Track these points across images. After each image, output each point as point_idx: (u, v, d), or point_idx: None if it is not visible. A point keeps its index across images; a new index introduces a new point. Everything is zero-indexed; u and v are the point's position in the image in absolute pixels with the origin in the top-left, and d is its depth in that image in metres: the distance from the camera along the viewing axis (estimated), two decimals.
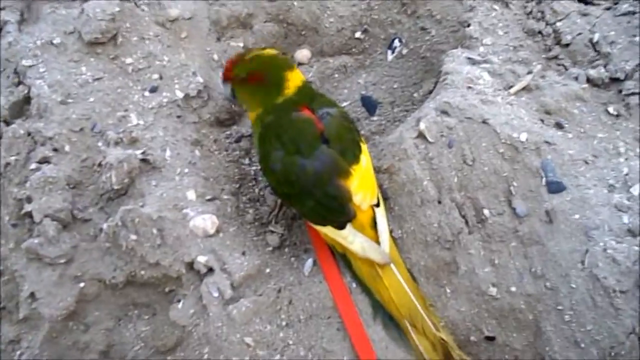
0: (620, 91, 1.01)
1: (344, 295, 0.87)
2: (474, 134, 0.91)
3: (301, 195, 0.85)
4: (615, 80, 1.02)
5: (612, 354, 0.78)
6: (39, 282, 0.87)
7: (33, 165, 0.90)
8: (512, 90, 1.00)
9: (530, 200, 0.88)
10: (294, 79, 0.90)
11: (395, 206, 0.92)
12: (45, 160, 0.91)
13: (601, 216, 0.85)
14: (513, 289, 0.86)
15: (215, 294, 0.87)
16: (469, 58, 1.04)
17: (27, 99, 0.98)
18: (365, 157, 0.88)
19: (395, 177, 0.92)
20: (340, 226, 0.85)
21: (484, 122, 0.92)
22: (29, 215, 0.88)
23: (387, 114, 1.13)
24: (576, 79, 1.03)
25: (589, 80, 1.03)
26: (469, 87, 0.97)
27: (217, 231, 0.92)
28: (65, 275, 0.88)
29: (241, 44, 1.14)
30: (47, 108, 0.95)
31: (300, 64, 1.18)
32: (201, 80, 1.05)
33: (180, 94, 1.03)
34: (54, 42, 1.01)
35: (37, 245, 0.86)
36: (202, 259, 0.88)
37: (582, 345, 0.80)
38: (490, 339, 0.86)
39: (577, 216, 0.86)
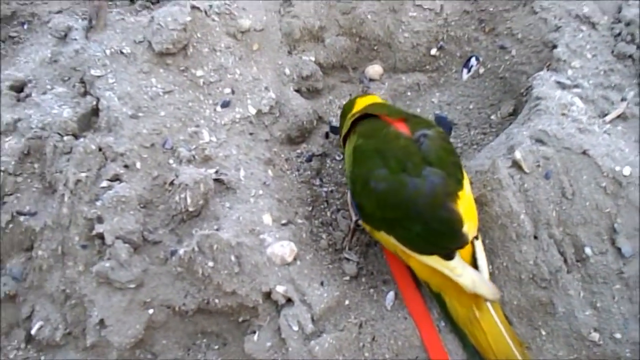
0: None
1: (432, 335, 0.81)
2: (573, 166, 0.85)
3: (407, 219, 0.77)
4: None
5: None
6: (109, 308, 0.82)
7: (104, 183, 0.85)
8: (607, 119, 0.94)
9: (636, 240, 0.82)
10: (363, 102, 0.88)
11: (487, 239, 0.86)
12: (116, 178, 0.86)
13: None
14: (617, 335, 0.80)
15: (295, 328, 0.81)
16: (558, 82, 0.98)
17: (94, 111, 0.93)
18: (467, 183, 0.81)
19: (487, 209, 0.86)
20: (449, 255, 0.77)
21: (584, 153, 0.86)
22: (100, 236, 0.83)
23: (464, 136, 1.08)
24: None
25: None
26: (564, 114, 0.91)
27: (295, 259, 0.86)
28: (135, 301, 0.83)
29: (313, 58, 1.08)
30: (117, 122, 0.90)
31: (371, 79, 1.13)
32: (273, 95, 1.00)
33: (252, 110, 0.98)
34: (124, 51, 0.96)
35: (108, 269, 0.81)
36: (280, 289, 0.83)
37: None
38: None
39: None
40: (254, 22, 1.04)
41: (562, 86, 0.98)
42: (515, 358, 0.78)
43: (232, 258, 0.81)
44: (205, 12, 1.02)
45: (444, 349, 0.81)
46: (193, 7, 1.00)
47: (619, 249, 0.82)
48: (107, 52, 0.96)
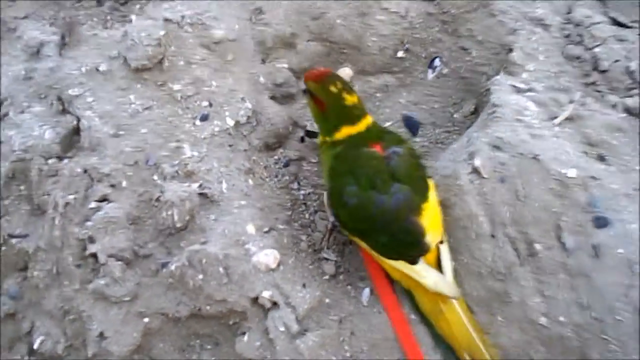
0: None
1: (404, 327, 0.92)
2: (525, 170, 0.95)
3: (375, 231, 0.88)
4: None
5: None
6: (107, 321, 0.88)
7: (93, 204, 0.90)
8: (556, 121, 1.03)
9: (578, 235, 0.93)
10: (349, 131, 0.92)
11: (450, 239, 0.95)
12: (104, 199, 0.91)
13: None
14: (561, 318, 0.91)
15: (282, 329, 0.90)
16: (514, 86, 1.06)
17: (75, 130, 0.96)
18: (432, 195, 0.91)
19: (450, 211, 0.95)
20: (414, 261, 0.88)
21: (535, 158, 0.95)
22: (93, 255, 0.88)
23: (430, 135, 1.16)
24: (614, 107, 1.07)
25: (626, 109, 1.07)
26: (518, 120, 1.00)
27: (278, 265, 0.94)
28: (131, 312, 0.90)
29: (286, 65, 1.13)
30: (99, 142, 0.94)
31: None
32: (250, 105, 1.05)
33: (230, 122, 1.02)
34: (100, 68, 0.98)
35: (103, 286, 0.87)
36: (266, 294, 0.91)
37: None
38: None
39: (621, 250, 0.91)
40: (227, 32, 1.07)
41: (517, 90, 1.06)
42: (476, 344, 0.90)
43: (221, 270, 0.88)
44: (178, 24, 1.04)
45: (415, 339, 0.91)
46: (166, 20, 1.02)
47: (563, 244, 0.93)
48: (83, 69, 0.98)
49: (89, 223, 0.88)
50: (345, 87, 0.92)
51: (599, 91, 1.10)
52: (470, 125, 1.14)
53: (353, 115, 0.93)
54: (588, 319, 0.91)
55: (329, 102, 0.91)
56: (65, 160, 0.92)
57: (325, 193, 1.06)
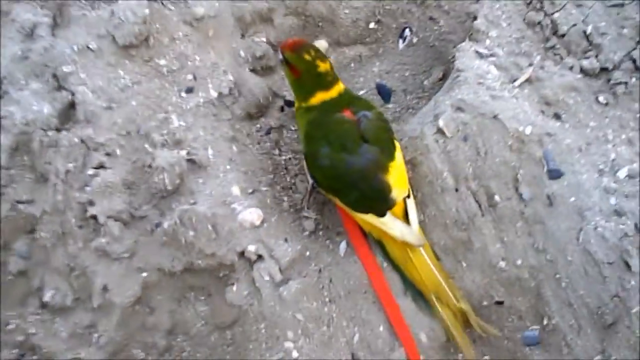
0: (609, 80, 1.14)
1: (377, 274, 1.01)
2: (486, 129, 1.04)
3: (347, 188, 0.97)
4: (604, 70, 1.15)
5: (599, 312, 0.95)
6: (109, 275, 0.98)
7: (90, 171, 0.99)
8: (516, 84, 1.11)
9: (534, 186, 1.02)
10: (323, 96, 1.00)
11: (419, 194, 1.05)
12: (101, 166, 0.99)
13: (593, 198, 1.01)
14: (519, 262, 1.01)
15: (267, 278, 1.00)
16: (477, 52, 1.14)
17: (71, 104, 1.04)
18: (399, 154, 1.00)
19: (417, 169, 1.04)
20: (381, 214, 0.98)
21: (495, 117, 1.04)
22: (94, 217, 0.97)
23: (401, 101, 1.24)
24: (571, 69, 1.15)
25: (582, 70, 1.15)
26: (480, 83, 1.08)
27: (262, 222, 1.03)
28: (130, 267, 0.99)
29: (264, 39, 1.20)
30: (94, 114, 1.02)
31: None
32: (231, 78, 1.12)
33: (214, 93, 1.10)
34: (90, 46, 1.06)
35: (104, 244, 0.97)
36: (252, 248, 1.00)
37: (575, 306, 0.98)
38: (500, 303, 1.02)
39: (572, 199, 1.01)
40: (208, 9, 1.14)
41: (480, 56, 1.14)
42: (442, 287, 1.00)
43: (209, 227, 0.98)
44: (162, 3, 1.11)
45: (387, 283, 1.01)
46: None
47: (520, 195, 1.02)
48: (75, 48, 1.06)
49: (88, 188, 0.97)
50: (319, 55, 1.00)
51: (557, 54, 1.18)
52: (438, 91, 1.22)
53: (326, 81, 1.00)
54: (543, 261, 1.01)
55: (303, 69, 0.98)
56: (64, 132, 1.00)
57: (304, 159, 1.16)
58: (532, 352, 1.01)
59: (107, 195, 0.97)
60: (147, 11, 1.07)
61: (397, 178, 0.98)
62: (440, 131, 1.04)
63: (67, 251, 0.98)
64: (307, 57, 0.97)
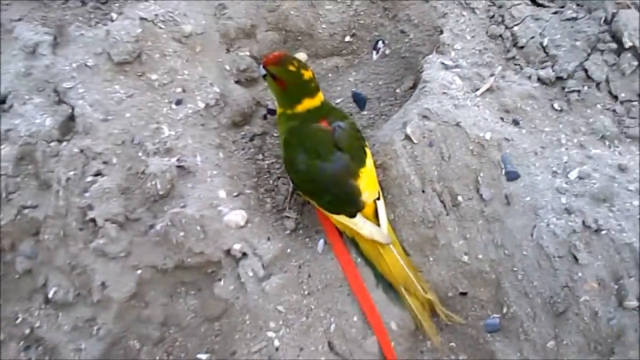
0: (564, 88, 1.24)
1: (351, 268, 1.11)
2: (449, 135, 1.13)
3: (320, 191, 1.07)
4: (560, 78, 1.25)
5: (551, 302, 1.05)
6: (107, 273, 1.07)
7: (89, 178, 1.08)
8: (478, 93, 1.21)
9: (493, 187, 1.12)
10: (316, 100, 1.09)
11: (389, 195, 1.14)
12: (98, 173, 1.09)
13: (546, 198, 1.11)
14: (480, 256, 1.11)
15: (250, 274, 1.09)
16: (442, 63, 1.24)
17: (71, 117, 1.14)
18: (369, 161, 1.10)
19: (388, 172, 1.14)
20: (352, 215, 1.07)
21: (457, 124, 1.14)
22: (93, 220, 1.07)
23: (375, 108, 1.34)
24: (529, 78, 1.25)
25: (539, 79, 1.25)
26: (444, 93, 1.18)
27: (246, 222, 1.13)
28: (126, 265, 1.09)
29: (247, 53, 1.30)
30: (92, 126, 1.11)
31: None
32: (218, 90, 1.22)
33: (201, 105, 1.20)
34: (88, 64, 1.16)
35: (102, 244, 1.06)
36: (237, 246, 1.10)
37: (530, 296, 1.07)
38: (463, 294, 1.12)
39: (528, 198, 1.11)
40: (195, 26, 1.24)
41: (446, 67, 1.24)
42: (410, 279, 1.10)
43: (198, 228, 1.07)
44: (153, 22, 1.21)
45: (360, 277, 1.11)
46: (142, 19, 1.19)
47: (481, 195, 1.12)
48: (74, 65, 1.15)
49: (87, 194, 1.07)
50: (301, 65, 1.09)
51: (517, 64, 1.28)
52: (408, 99, 1.32)
53: (311, 88, 1.09)
54: (501, 255, 1.11)
55: (289, 80, 1.07)
56: (64, 143, 1.10)
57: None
58: (493, 338, 1.11)
59: (104, 200, 1.07)
60: (139, 30, 1.17)
61: (367, 182, 1.08)
62: (407, 137, 1.14)
63: (68, 251, 1.07)
64: (291, 68, 1.06)
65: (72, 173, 1.08)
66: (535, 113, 1.21)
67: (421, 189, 1.13)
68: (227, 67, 1.27)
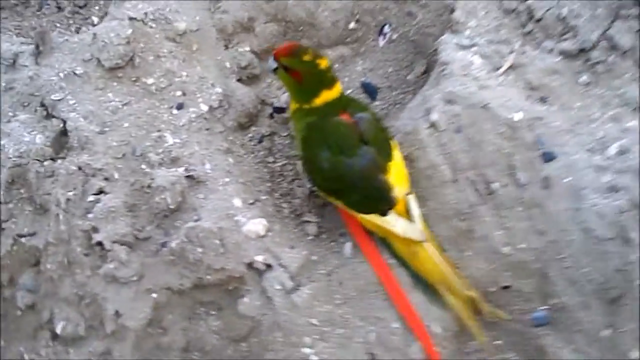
0: (588, 60, 1.17)
1: (386, 271, 1.03)
2: (477, 119, 1.06)
3: (348, 190, 0.99)
4: (583, 50, 1.18)
5: (604, 288, 0.98)
6: (119, 300, 0.97)
7: (91, 198, 0.98)
8: (500, 72, 1.14)
9: (529, 171, 1.05)
10: (334, 91, 1.00)
11: (418, 188, 1.06)
12: (101, 191, 0.99)
13: (587, 177, 1.03)
14: (522, 245, 1.03)
15: (277, 287, 1.00)
16: (458, 44, 1.16)
17: (63, 132, 1.03)
18: (397, 153, 1.01)
19: (415, 164, 1.06)
20: (384, 213, 0.99)
21: (485, 106, 1.06)
22: (99, 244, 0.96)
23: (388, 98, 1.26)
24: (550, 52, 1.18)
25: (561, 52, 1.18)
26: (465, 74, 1.10)
27: (267, 231, 1.04)
28: (140, 290, 0.99)
29: (247, 48, 1.21)
30: (88, 140, 1.01)
31: None
32: (220, 90, 1.12)
33: (205, 107, 1.10)
34: (77, 72, 1.05)
35: (112, 269, 0.96)
36: (259, 258, 1.00)
37: (580, 283, 1.00)
38: (506, 287, 1.04)
39: (568, 179, 1.03)
40: (189, 23, 1.14)
41: (462, 47, 1.16)
42: (449, 277, 1.02)
43: (216, 241, 0.98)
44: (143, 21, 1.11)
45: (396, 280, 1.03)
46: (131, 19, 1.08)
47: (517, 180, 1.05)
48: (61, 75, 1.05)
49: (90, 215, 0.96)
50: (316, 54, 1.00)
51: (536, 39, 1.21)
52: (423, 85, 1.24)
53: (329, 78, 1.00)
54: (545, 242, 1.03)
55: (305, 71, 0.98)
56: (59, 161, 0.99)
57: (299, 163, 1.17)
58: (542, 332, 1.04)
59: (110, 220, 0.97)
60: (129, 31, 1.07)
61: (397, 176, 0.99)
62: (433, 125, 1.06)
63: (75, 280, 0.97)
64: (306, 58, 0.98)
65: (71, 193, 0.98)
66: (562, 89, 1.14)
67: (453, 178, 1.05)
68: (227, 65, 1.18)
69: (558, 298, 1.02)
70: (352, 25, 1.28)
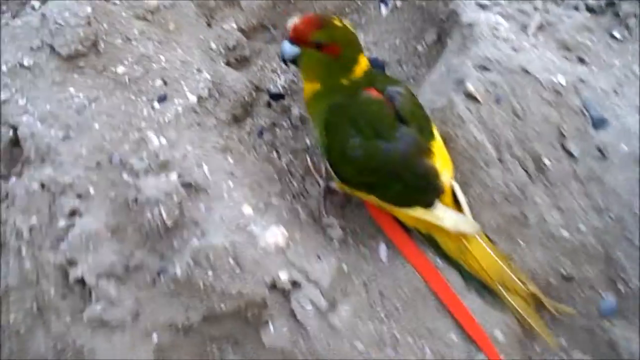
0: (618, 14, 1.05)
1: (433, 273, 0.87)
2: (518, 85, 0.91)
3: (386, 181, 0.81)
4: (611, 4, 1.06)
5: None
6: (112, 349, 0.76)
7: (62, 222, 0.76)
8: (530, 31, 1.00)
9: (581, 140, 0.91)
10: (362, 64, 0.82)
11: (457, 173, 0.90)
12: (73, 212, 0.76)
13: None
14: (581, 227, 0.90)
15: (309, 307, 0.82)
16: (478, 4, 1.01)
17: (14, 141, 0.80)
18: (436, 131, 0.85)
19: (452, 145, 0.90)
20: (430, 204, 0.83)
21: (525, 71, 0.91)
22: (79, 280, 0.74)
23: (398, 73, 1.09)
24: (576, 8, 1.06)
25: (588, 8, 1.05)
26: (495, 36, 0.96)
27: (288, 241, 0.85)
28: (136, 333, 0.78)
29: (234, 25, 1.01)
30: (49, 149, 0.78)
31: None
32: (208, 76, 0.92)
33: (193, 98, 0.90)
34: (25, 63, 0.82)
35: (99, 311, 0.74)
36: (283, 275, 0.82)
37: None
38: (568, 278, 0.91)
39: (624, 146, 0.91)
40: None
41: (483, 7, 1.02)
42: (506, 273, 0.87)
43: (230, 261, 0.78)
44: None
45: (447, 283, 0.86)
46: None
47: (569, 153, 0.91)
48: (4, 68, 0.81)
49: (63, 245, 0.74)
50: (339, 18, 0.83)
51: None
52: (437, 55, 1.08)
53: (360, 45, 0.84)
54: (607, 220, 0.90)
55: (343, 40, 0.80)
56: (13, 179, 0.76)
57: (307, 157, 0.98)
58: (610, 324, 0.90)
59: (90, 248, 0.75)
60: (89, 9, 0.85)
61: (441, 160, 0.83)
62: (469, 96, 0.90)
63: (50, 331, 0.74)
64: (337, 23, 0.80)
65: (35, 219, 0.75)
66: (596, 47, 1.01)
67: (497, 157, 0.90)
68: (213, 46, 0.97)
69: (627, 283, 0.89)
70: None
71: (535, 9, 1.03)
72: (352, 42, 0.81)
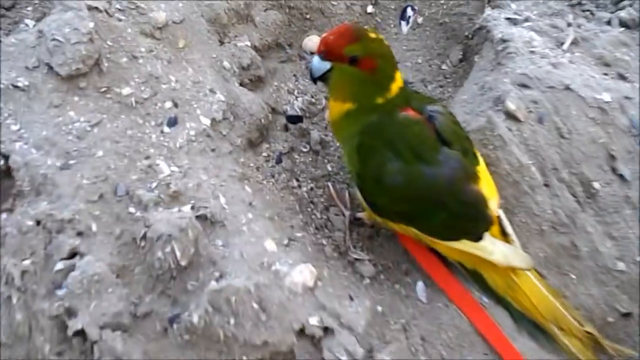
0: None
1: (480, 314, 0.77)
2: (561, 103, 0.84)
3: (429, 210, 0.72)
4: None
5: None
6: None
7: (60, 265, 0.65)
8: (565, 47, 0.93)
9: (632, 162, 0.84)
10: (398, 81, 0.74)
11: (501, 199, 0.82)
12: (73, 253, 0.66)
13: None
14: (638, 258, 0.82)
15: (344, 358, 0.71)
16: (509, 19, 0.95)
17: (5, 172, 0.70)
18: (479, 155, 0.77)
19: (494, 168, 0.81)
20: (478, 237, 0.73)
21: (567, 88, 0.84)
22: (79, 333, 0.63)
23: (423, 93, 1.01)
24: (609, 23, 1.00)
25: (621, 22, 1.00)
26: (532, 52, 0.89)
27: (316, 281, 0.75)
28: None
29: (248, 43, 0.92)
30: (45, 180, 0.68)
31: (312, 53, 1.00)
32: (222, 97, 0.84)
33: (206, 121, 0.81)
34: (19, 84, 0.73)
35: None
36: (314, 320, 0.71)
37: None
38: (627, 315, 0.82)
39: None
40: (170, 13, 0.85)
41: (514, 22, 0.95)
42: (559, 311, 0.78)
43: (255, 305, 0.68)
44: (107, 12, 0.80)
45: (496, 325, 0.77)
46: (91, 9, 0.78)
47: (620, 176, 0.83)
48: None
49: (61, 292, 0.63)
50: (374, 30, 0.76)
51: (587, 10, 1.02)
52: (463, 74, 1.02)
53: (395, 58, 0.76)
54: None
55: (380, 55, 0.72)
56: (4, 215, 0.66)
57: (329, 185, 0.89)
58: None
59: (92, 295, 0.64)
60: (91, 25, 0.76)
61: (487, 185, 0.74)
62: (510, 116, 0.82)
63: None
64: (372, 35, 0.72)
65: (27, 262, 0.64)
66: (635, 62, 0.95)
67: (544, 182, 0.82)
68: (226, 65, 0.89)
69: None
70: (369, 9, 1.04)
71: (569, 24, 0.97)
72: (389, 57, 0.73)
